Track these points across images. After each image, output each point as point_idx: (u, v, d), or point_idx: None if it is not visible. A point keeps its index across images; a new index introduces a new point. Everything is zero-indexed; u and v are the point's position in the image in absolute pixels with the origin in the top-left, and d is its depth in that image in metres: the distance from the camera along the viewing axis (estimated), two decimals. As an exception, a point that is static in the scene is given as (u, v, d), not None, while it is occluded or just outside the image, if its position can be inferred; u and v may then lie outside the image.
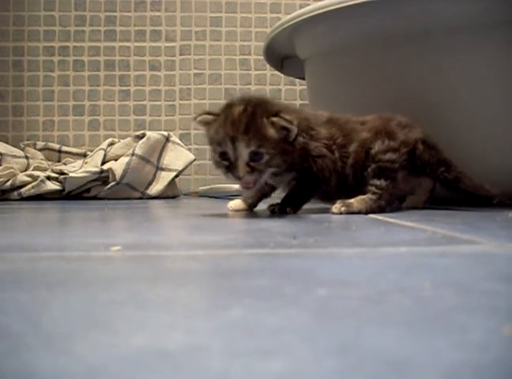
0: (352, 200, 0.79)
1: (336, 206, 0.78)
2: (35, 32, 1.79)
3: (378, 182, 0.80)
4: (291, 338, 0.21)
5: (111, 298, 0.28)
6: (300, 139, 0.78)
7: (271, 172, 0.76)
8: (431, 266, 0.37)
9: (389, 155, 0.82)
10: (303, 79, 1.33)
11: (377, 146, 0.82)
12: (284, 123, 0.74)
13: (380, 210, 0.79)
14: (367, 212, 0.78)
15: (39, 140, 1.67)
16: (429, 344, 0.20)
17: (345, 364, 0.18)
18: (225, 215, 0.80)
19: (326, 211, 0.80)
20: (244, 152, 0.73)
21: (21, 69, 1.78)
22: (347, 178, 0.83)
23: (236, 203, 0.87)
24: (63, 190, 1.34)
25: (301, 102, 1.80)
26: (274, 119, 0.74)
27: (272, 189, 0.86)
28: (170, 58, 1.81)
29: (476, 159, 0.94)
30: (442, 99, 0.95)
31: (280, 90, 1.82)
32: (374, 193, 0.80)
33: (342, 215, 0.76)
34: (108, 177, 1.36)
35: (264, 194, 0.86)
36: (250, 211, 0.86)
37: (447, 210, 0.84)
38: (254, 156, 0.73)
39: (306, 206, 0.83)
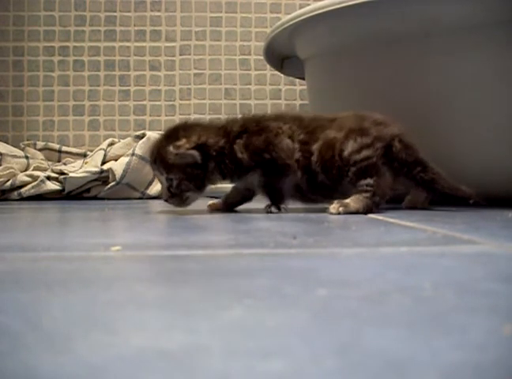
0: (347, 200, 0.78)
1: (334, 206, 0.78)
2: (35, 32, 1.79)
3: (365, 182, 0.80)
4: (291, 338, 0.21)
5: (111, 298, 0.28)
6: (235, 147, 0.82)
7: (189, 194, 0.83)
8: (431, 266, 0.37)
9: (364, 153, 0.81)
10: (303, 79, 1.33)
11: (350, 147, 0.81)
12: (174, 150, 0.79)
13: (376, 206, 0.79)
14: (364, 211, 0.78)
15: (39, 140, 1.67)
16: (429, 344, 0.20)
17: (345, 364, 0.18)
18: (225, 216, 0.80)
19: (326, 211, 0.80)
20: (162, 179, 0.83)
21: (21, 69, 1.78)
22: (316, 175, 0.83)
23: (215, 203, 0.90)
24: (63, 190, 1.34)
25: (301, 102, 1.80)
26: (168, 148, 0.80)
27: (252, 192, 0.87)
28: (170, 58, 1.81)
29: (477, 160, 0.94)
30: (443, 100, 0.95)
31: (280, 90, 1.82)
32: (366, 192, 0.79)
33: (341, 216, 0.76)
34: (108, 177, 1.36)
35: (244, 197, 0.89)
36: (228, 211, 0.88)
37: (447, 210, 0.84)
38: (170, 182, 0.82)
39: (305, 206, 0.83)
